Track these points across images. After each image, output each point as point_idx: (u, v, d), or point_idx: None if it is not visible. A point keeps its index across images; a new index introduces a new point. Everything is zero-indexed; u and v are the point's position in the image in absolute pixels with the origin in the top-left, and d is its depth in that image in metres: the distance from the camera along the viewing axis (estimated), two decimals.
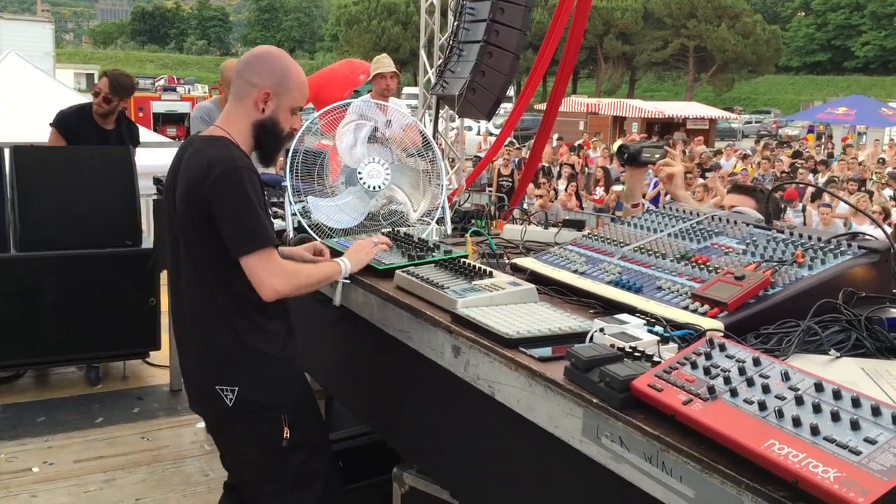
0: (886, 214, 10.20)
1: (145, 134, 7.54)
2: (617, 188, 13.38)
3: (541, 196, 11.24)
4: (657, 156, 3.06)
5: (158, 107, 25.01)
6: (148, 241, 5.27)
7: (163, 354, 5.33)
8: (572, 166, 16.24)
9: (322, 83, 11.34)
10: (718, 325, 1.92)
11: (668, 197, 3.31)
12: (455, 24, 8.03)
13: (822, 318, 1.91)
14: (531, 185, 12.13)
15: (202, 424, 4.59)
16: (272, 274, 2.30)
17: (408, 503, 2.92)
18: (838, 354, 1.81)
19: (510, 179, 14.27)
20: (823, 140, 28.13)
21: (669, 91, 61.86)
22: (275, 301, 2.40)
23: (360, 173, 3.11)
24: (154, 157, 6.40)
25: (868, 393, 1.36)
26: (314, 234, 2.99)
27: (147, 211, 6.00)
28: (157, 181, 4.83)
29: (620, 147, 3.15)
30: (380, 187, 3.12)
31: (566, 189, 14.44)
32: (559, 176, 15.45)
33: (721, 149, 21.01)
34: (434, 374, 2.19)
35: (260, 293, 2.31)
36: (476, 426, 2.08)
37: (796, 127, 37.46)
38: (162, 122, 24.10)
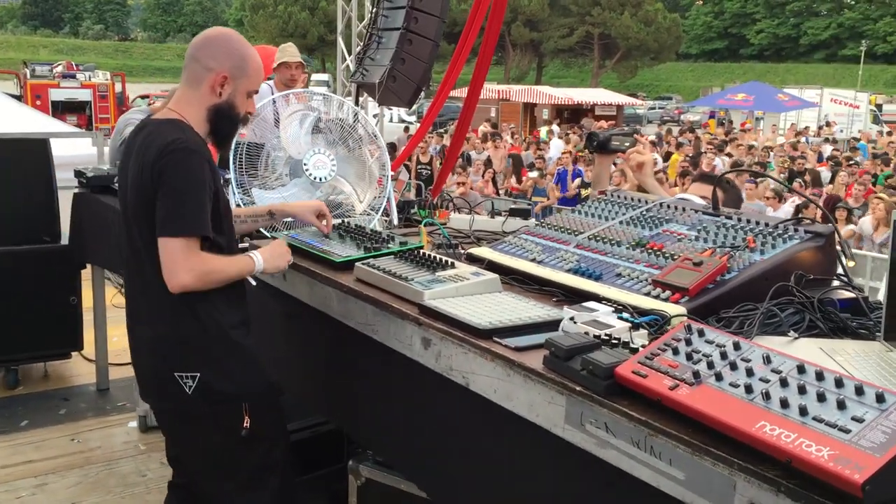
0: (780, 198, 10.64)
1: (55, 124, 7.24)
2: (533, 174, 13.55)
3: (462, 184, 11.29)
4: (627, 144, 3.11)
5: (57, 94, 23.92)
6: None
7: (89, 353, 5.16)
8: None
9: None
10: (681, 310, 1.98)
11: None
12: (373, 11, 7.99)
13: (777, 301, 2.00)
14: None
15: (134, 423, 4.48)
16: (185, 268, 2.21)
17: (364, 495, 2.92)
18: (796, 335, 1.89)
19: (428, 167, 14.29)
20: (725, 125, 29.10)
21: (576, 77, 62.92)
22: (234, 286, 2.36)
23: (305, 164, 3.07)
24: (73, 147, 6.14)
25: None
26: (263, 231, 2.94)
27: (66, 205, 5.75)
28: (78, 173, 4.65)
29: (590, 135, 3.20)
30: (326, 178, 3.08)
31: (483, 176, 14.56)
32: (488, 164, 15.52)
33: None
34: (401, 367, 2.19)
35: (166, 281, 2.23)
36: (448, 417, 2.09)
37: (697, 112, 38.65)
38: (62, 110, 23.10)
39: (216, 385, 2.35)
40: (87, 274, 5.06)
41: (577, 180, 13.48)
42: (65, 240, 4.95)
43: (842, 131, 28.01)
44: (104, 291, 5.03)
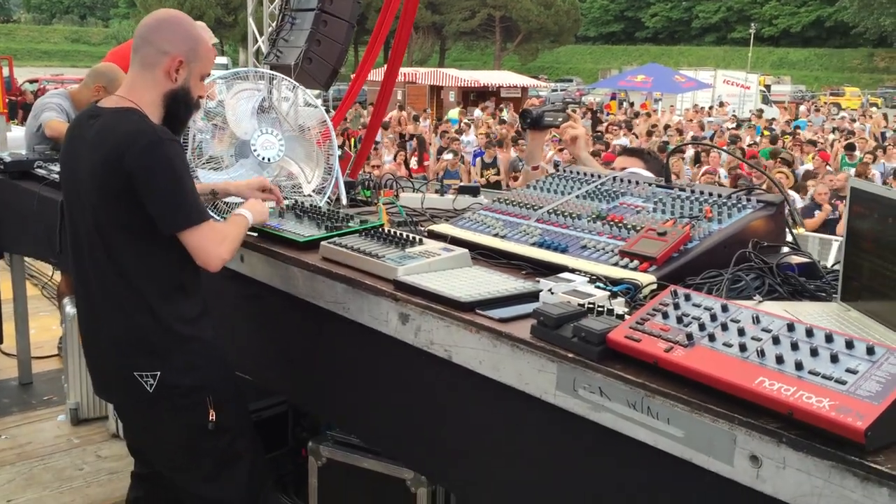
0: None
1: None
2: (448, 156, 13.62)
3: (377, 166, 11.28)
4: (560, 119, 3.16)
5: None
6: None
7: (7, 347, 4.94)
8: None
9: None
10: (651, 278, 2.06)
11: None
12: None
13: (738, 267, 2.09)
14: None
15: (63, 417, 4.32)
16: (218, 243, 2.24)
17: (325, 475, 2.92)
18: (762, 299, 1.99)
19: (340, 149, 14.16)
20: (625, 106, 29.86)
21: (478, 60, 63.34)
22: (191, 277, 2.32)
23: (253, 145, 3.01)
24: None
25: None
26: (212, 213, 2.87)
27: None
28: None
29: (523, 111, 3.23)
30: (274, 159, 3.04)
31: (395, 158, 14.54)
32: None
33: None
34: (375, 343, 2.20)
35: (207, 265, 2.25)
36: (428, 390, 2.11)
37: (598, 94, 39.49)
38: None
39: (178, 381, 2.30)
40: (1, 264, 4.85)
41: (478, 160, 13.68)
42: None
43: (733, 111, 29.15)
44: (24, 282, 4.82)
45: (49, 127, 4.58)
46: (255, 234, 2.63)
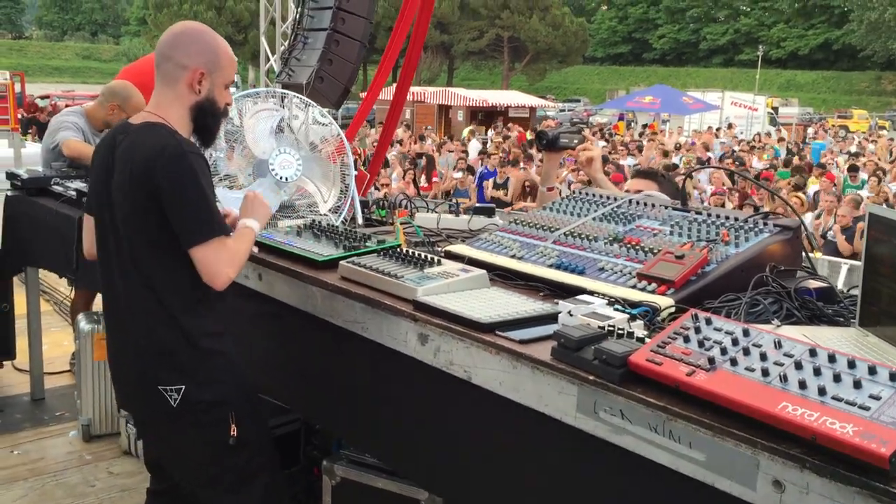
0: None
1: None
2: (457, 175, 13.66)
3: (385, 185, 11.32)
4: (576, 141, 3.18)
5: None
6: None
7: (19, 363, 4.96)
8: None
9: (150, 69, 10.80)
10: (669, 301, 2.06)
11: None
12: (298, 11, 7.94)
13: (757, 291, 2.10)
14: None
15: (75, 433, 4.33)
16: (226, 263, 2.23)
17: (339, 494, 2.92)
18: (780, 323, 1.99)
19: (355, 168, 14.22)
20: (633, 127, 29.93)
21: (486, 80, 63.58)
22: (215, 292, 2.34)
23: (271, 164, 3.04)
24: (1, 148, 5.87)
25: None
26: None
27: None
28: (11, 175, 4.47)
29: (539, 132, 3.26)
30: (292, 178, 3.06)
31: (404, 177, 14.59)
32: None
33: None
34: (393, 363, 2.21)
35: (213, 283, 2.24)
36: (447, 411, 2.12)
37: (605, 115, 39.59)
38: None
39: (201, 395, 2.32)
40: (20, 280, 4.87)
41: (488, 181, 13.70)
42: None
43: (741, 133, 29.18)
44: (38, 298, 4.84)
45: (66, 146, 4.62)
46: (256, 249, 2.60)
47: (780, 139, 25.26)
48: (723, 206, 10.52)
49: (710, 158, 16.43)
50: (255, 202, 2.53)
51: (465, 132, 23.79)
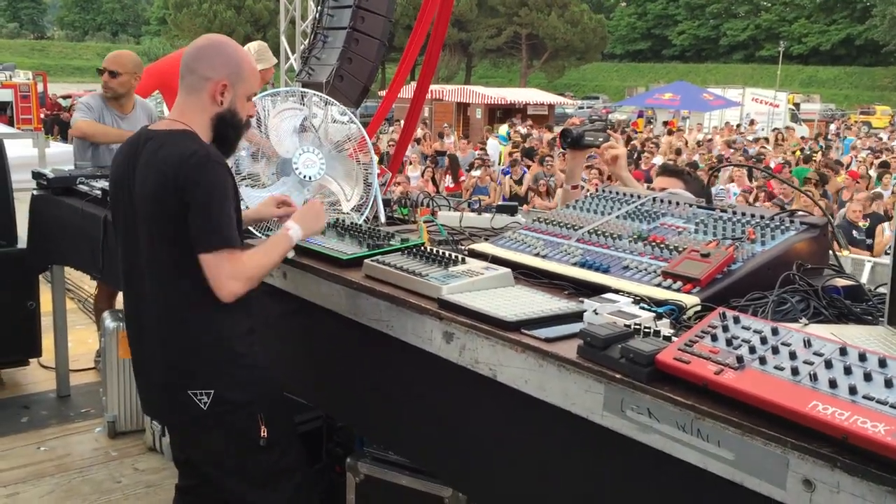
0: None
1: None
2: (476, 172, 13.65)
3: (399, 183, 11.36)
4: (601, 139, 3.17)
5: None
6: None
7: (45, 360, 5.01)
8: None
9: (170, 70, 10.87)
10: (695, 300, 2.06)
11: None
12: (318, 10, 7.96)
13: (783, 290, 2.09)
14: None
15: (101, 429, 4.37)
16: (231, 276, 2.23)
17: (363, 492, 2.94)
18: (807, 322, 1.98)
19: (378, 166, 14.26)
20: (653, 124, 29.80)
21: (504, 77, 63.51)
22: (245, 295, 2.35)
23: (295, 163, 3.05)
24: (25, 147, 5.93)
25: None
26: (252, 229, 2.92)
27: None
28: (37, 175, 4.51)
29: (564, 131, 3.25)
30: (315, 177, 3.08)
31: (422, 175, 14.61)
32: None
33: None
34: (418, 361, 2.21)
35: (218, 294, 2.24)
36: (472, 409, 2.12)
37: (625, 112, 39.42)
38: None
39: (230, 397, 2.34)
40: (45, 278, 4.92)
41: (507, 177, 13.68)
42: (21, 243, 4.79)
43: (762, 129, 28.98)
44: (64, 296, 4.89)
45: (75, 127, 4.84)
46: (292, 254, 2.59)
47: (802, 138, 25.05)
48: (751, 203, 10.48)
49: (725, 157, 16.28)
50: (310, 212, 2.52)
51: (503, 130, 23.61)
